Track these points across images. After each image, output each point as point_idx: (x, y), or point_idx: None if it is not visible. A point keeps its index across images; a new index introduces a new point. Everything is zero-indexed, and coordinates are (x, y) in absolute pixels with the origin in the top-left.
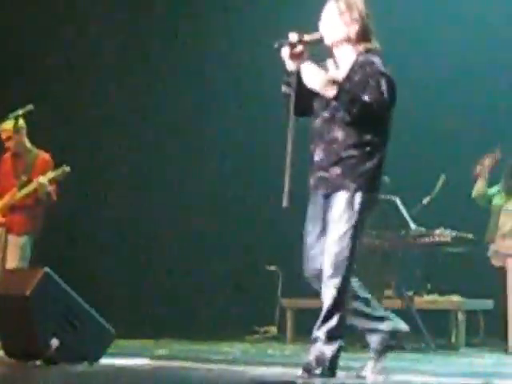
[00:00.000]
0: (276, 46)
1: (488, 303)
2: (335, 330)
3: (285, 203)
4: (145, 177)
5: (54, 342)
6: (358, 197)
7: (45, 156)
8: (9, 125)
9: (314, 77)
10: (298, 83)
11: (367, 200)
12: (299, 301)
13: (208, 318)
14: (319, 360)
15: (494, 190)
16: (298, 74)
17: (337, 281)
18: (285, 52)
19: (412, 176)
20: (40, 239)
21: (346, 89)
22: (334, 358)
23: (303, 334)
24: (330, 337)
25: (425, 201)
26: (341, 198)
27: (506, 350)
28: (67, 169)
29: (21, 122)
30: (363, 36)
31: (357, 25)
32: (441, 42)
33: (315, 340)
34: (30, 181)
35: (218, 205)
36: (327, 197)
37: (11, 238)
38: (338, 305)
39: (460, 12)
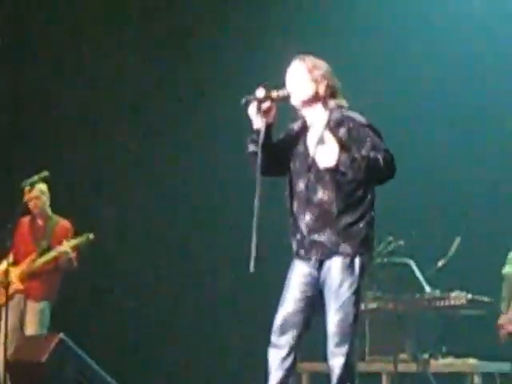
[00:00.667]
0: (243, 102)
1: (505, 366)
2: None
3: (251, 268)
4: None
5: None
6: (358, 261)
7: (65, 223)
8: (35, 190)
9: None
10: (267, 140)
11: (366, 263)
12: (315, 364)
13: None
14: None
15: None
16: (265, 131)
17: (344, 349)
18: (252, 108)
19: (426, 238)
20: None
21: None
22: None
23: None
24: None
25: (440, 263)
26: (340, 264)
27: None
28: (91, 236)
29: (45, 187)
30: (332, 92)
31: (325, 81)
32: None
33: None
34: (49, 247)
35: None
36: (321, 262)
37: (30, 304)
38: (348, 372)
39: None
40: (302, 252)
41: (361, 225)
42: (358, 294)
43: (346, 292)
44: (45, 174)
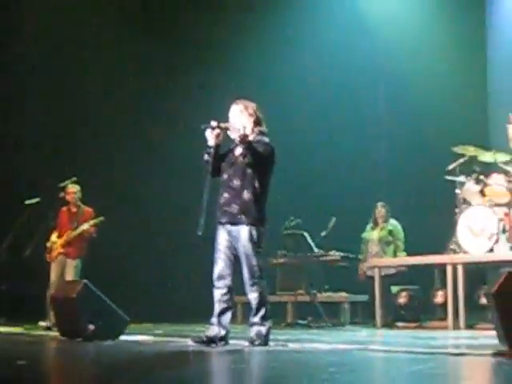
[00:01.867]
0: (202, 127)
1: (363, 297)
2: (265, 316)
3: (199, 232)
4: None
5: (90, 327)
6: (254, 229)
7: (88, 209)
8: (72, 188)
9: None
10: (215, 154)
11: (261, 231)
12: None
13: (189, 306)
14: (258, 336)
15: (367, 227)
16: (215, 147)
17: (255, 287)
18: (208, 132)
19: (314, 218)
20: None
21: (251, 145)
22: (267, 334)
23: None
24: (263, 321)
25: (323, 234)
26: (243, 230)
27: (374, 326)
28: (103, 218)
29: (78, 187)
30: (256, 124)
31: (253, 117)
32: None
33: (253, 324)
34: (78, 226)
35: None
36: (230, 224)
37: (68, 261)
38: (262, 300)
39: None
40: (219, 217)
41: (256, 203)
42: (257, 252)
43: (249, 251)
44: (74, 179)
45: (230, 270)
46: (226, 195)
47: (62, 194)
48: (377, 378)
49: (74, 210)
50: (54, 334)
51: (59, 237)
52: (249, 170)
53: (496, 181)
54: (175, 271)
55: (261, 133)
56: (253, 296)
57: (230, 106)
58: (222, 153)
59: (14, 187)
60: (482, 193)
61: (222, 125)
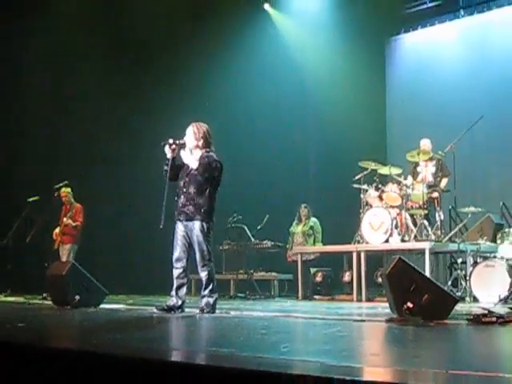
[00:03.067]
0: (162, 144)
1: (289, 276)
2: (213, 290)
3: (161, 226)
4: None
5: (76, 297)
6: (205, 223)
7: (78, 205)
8: (64, 192)
9: (189, 158)
10: (172, 165)
11: (210, 224)
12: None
13: (154, 281)
14: (207, 305)
15: (293, 223)
16: (172, 159)
17: (205, 267)
18: (166, 147)
19: (252, 215)
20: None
21: (201, 164)
22: (214, 304)
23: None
24: (211, 294)
25: (258, 227)
26: (196, 224)
27: (296, 298)
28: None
29: (69, 189)
30: (205, 144)
31: (202, 139)
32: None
33: (203, 296)
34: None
35: None
36: (186, 221)
37: (63, 246)
38: (211, 277)
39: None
40: (177, 216)
41: (206, 204)
42: (207, 241)
43: (201, 240)
44: (66, 182)
45: (185, 254)
46: (182, 199)
47: (56, 194)
48: (297, 337)
49: (68, 207)
50: (48, 302)
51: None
52: (201, 180)
53: (391, 188)
54: (145, 254)
55: (210, 150)
56: (203, 274)
57: (187, 126)
58: (179, 163)
59: (18, 188)
60: (380, 198)
61: (178, 142)
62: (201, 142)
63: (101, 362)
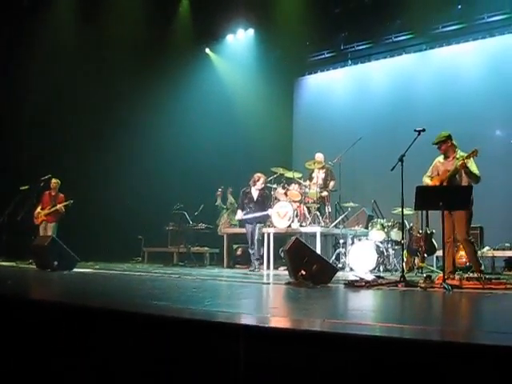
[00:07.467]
0: None
1: (217, 250)
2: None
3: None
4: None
5: (55, 263)
6: None
7: (62, 196)
8: (55, 180)
9: None
10: None
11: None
12: (153, 248)
13: (118, 249)
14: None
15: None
16: None
17: None
18: None
19: (191, 204)
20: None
21: None
22: None
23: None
24: None
25: (196, 213)
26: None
27: (222, 266)
28: (71, 201)
29: (57, 180)
30: None
31: None
32: None
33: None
34: (55, 205)
35: None
36: None
37: (48, 224)
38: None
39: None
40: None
41: None
42: None
43: None
44: (49, 175)
45: None
46: None
47: (42, 184)
48: (220, 294)
49: (53, 193)
50: (33, 267)
51: (42, 209)
52: None
53: (293, 188)
54: (109, 229)
55: None
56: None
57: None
58: None
59: (13, 178)
60: (285, 194)
61: None
62: None
63: (74, 310)
